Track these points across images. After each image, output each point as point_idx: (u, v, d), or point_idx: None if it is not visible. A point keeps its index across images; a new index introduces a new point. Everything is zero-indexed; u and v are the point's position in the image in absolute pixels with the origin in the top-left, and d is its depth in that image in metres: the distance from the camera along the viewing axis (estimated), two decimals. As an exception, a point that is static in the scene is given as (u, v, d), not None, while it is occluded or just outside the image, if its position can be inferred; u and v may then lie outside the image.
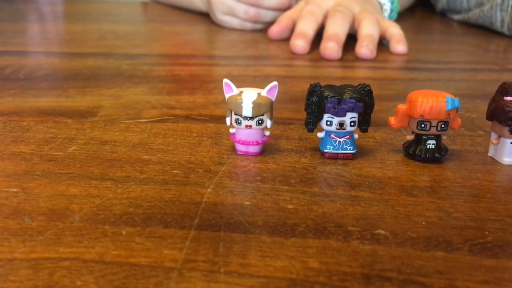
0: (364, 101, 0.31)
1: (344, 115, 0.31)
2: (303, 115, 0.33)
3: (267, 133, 0.33)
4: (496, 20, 0.80)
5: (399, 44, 0.63)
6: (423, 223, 0.25)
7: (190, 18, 0.86)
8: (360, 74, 0.56)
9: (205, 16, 0.83)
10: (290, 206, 0.27)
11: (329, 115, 0.31)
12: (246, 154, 0.33)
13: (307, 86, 0.32)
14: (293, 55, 0.62)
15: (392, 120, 0.34)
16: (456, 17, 0.92)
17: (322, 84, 0.32)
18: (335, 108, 0.30)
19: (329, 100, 0.30)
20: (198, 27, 0.80)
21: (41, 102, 0.42)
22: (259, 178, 0.30)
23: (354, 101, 0.30)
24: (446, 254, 0.23)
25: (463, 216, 0.26)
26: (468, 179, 0.30)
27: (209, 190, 0.28)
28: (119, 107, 0.41)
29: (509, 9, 0.78)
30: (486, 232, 0.25)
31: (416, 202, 0.28)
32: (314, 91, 0.31)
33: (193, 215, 0.25)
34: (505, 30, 0.78)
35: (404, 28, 0.66)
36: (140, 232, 0.24)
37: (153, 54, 0.63)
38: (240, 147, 0.33)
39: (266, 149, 0.34)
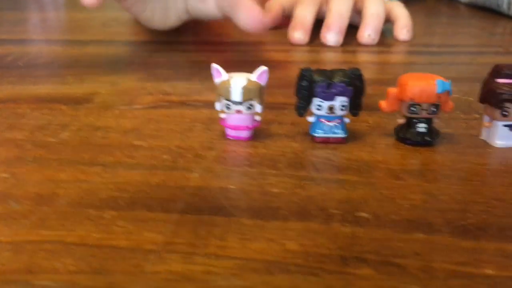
0: (354, 85, 0.31)
1: (334, 99, 0.31)
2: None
3: (258, 118, 0.33)
4: (503, 2, 0.79)
5: (402, 31, 0.61)
6: (407, 205, 0.25)
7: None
8: (361, 59, 0.56)
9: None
10: (274, 190, 0.27)
11: (318, 99, 0.31)
12: (237, 139, 0.33)
13: None
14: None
15: (383, 104, 0.34)
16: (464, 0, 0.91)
17: (315, 68, 0.32)
18: (324, 92, 0.30)
19: (318, 84, 0.30)
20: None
21: (39, 89, 0.43)
22: (247, 162, 0.30)
23: (344, 85, 0.30)
24: (426, 236, 0.23)
25: (448, 199, 0.26)
26: (457, 162, 0.30)
27: (196, 174, 0.28)
28: (115, 94, 0.42)
29: (516, -9, 0.77)
30: (470, 215, 0.25)
31: (402, 185, 0.27)
32: (304, 75, 0.31)
33: (177, 199, 0.26)
34: (511, 12, 0.77)
35: (410, 11, 0.65)
36: (123, 216, 0.24)
37: (153, 41, 0.63)
38: (230, 132, 0.33)
39: (257, 133, 0.34)
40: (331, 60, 0.54)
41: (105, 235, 0.23)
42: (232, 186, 0.27)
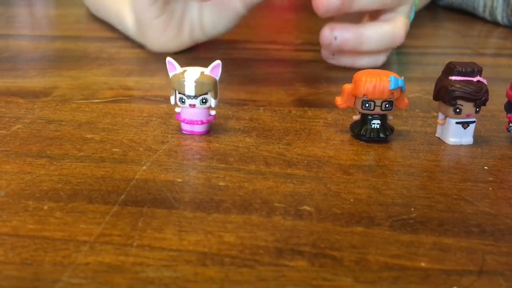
0: None
1: None
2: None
3: (213, 112, 0.33)
4: (479, 5, 0.79)
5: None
6: (351, 200, 0.25)
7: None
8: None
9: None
10: (221, 183, 0.27)
11: None
12: (192, 133, 0.33)
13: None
14: (267, 39, 0.61)
15: (339, 100, 0.34)
16: (442, 2, 0.92)
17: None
18: None
19: None
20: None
21: (-2, 82, 0.42)
22: (197, 156, 0.30)
23: None
24: (365, 229, 0.23)
25: (393, 194, 0.26)
26: (408, 158, 0.30)
27: (144, 167, 0.28)
28: (75, 88, 0.41)
29: (490, -6, 0.77)
30: (412, 209, 0.25)
31: (350, 180, 0.27)
32: None
33: (120, 191, 0.25)
34: (486, 15, 0.78)
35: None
36: (62, 207, 0.24)
37: (123, 38, 0.63)
38: (185, 127, 0.33)
39: (213, 128, 0.34)
40: (298, 58, 0.54)
41: (39, 226, 0.22)
42: (178, 179, 0.27)
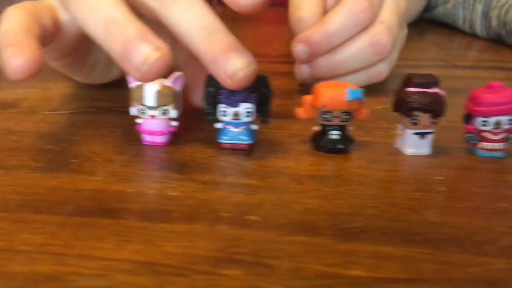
0: (258, 92, 0.31)
1: (238, 106, 0.31)
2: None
3: (175, 123, 0.34)
4: (459, 18, 0.80)
5: None
6: (299, 209, 0.26)
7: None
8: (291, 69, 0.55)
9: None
10: (172, 193, 0.27)
11: (224, 105, 0.31)
12: (152, 144, 0.33)
13: None
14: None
15: (300, 111, 0.34)
16: (425, 15, 0.93)
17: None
18: (227, 98, 0.30)
19: (221, 90, 0.31)
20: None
21: (-32, 94, 0.42)
22: (154, 167, 0.30)
23: (247, 91, 0.30)
24: (307, 238, 0.23)
25: (342, 203, 0.26)
26: (364, 169, 0.30)
27: (98, 178, 0.28)
28: (44, 99, 0.41)
29: (471, 7, 0.78)
30: (359, 218, 0.25)
31: (302, 190, 0.28)
32: (210, 81, 0.31)
33: (71, 202, 0.26)
34: (466, 28, 0.78)
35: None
36: (7, 218, 0.24)
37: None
38: (146, 137, 0.33)
39: (176, 139, 0.34)
40: (275, 70, 0.55)
41: (-20, 236, 0.22)
42: (130, 190, 0.27)
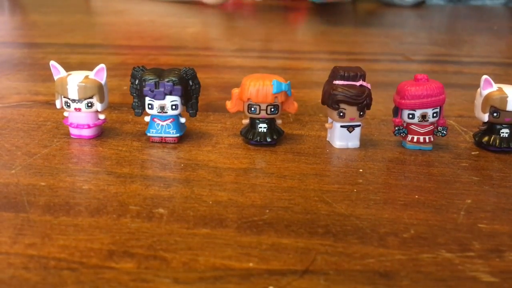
0: (184, 85, 0.31)
1: (163, 98, 0.31)
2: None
3: (102, 116, 0.33)
4: None
5: None
6: (210, 202, 0.25)
7: (126, 8, 0.85)
8: (235, 63, 0.55)
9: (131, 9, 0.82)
10: (85, 187, 0.26)
11: (149, 98, 0.31)
12: (79, 138, 0.33)
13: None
14: (204, 45, 0.62)
15: (228, 105, 0.34)
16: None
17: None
18: (152, 91, 0.30)
19: (146, 83, 0.30)
20: (123, 17, 0.80)
21: None
22: (74, 160, 0.30)
23: (172, 84, 0.30)
24: (210, 231, 0.23)
25: (255, 196, 0.26)
26: (288, 162, 0.30)
27: (12, 171, 0.28)
28: (-21, 93, 0.41)
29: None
30: (267, 211, 0.25)
31: (219, 183, 0.27)
32: (135, 74, 0.31)
33: (-24, 195, 0.25)
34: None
35: (332, 21, 0.66)
36: None
37: (58, 44, 0.62)
38: (73, 131, 0.33)
39: (105, 132, 0.34)
40: (226, 63, 0.54)
41: None
42: (42, 183, 0.27)
